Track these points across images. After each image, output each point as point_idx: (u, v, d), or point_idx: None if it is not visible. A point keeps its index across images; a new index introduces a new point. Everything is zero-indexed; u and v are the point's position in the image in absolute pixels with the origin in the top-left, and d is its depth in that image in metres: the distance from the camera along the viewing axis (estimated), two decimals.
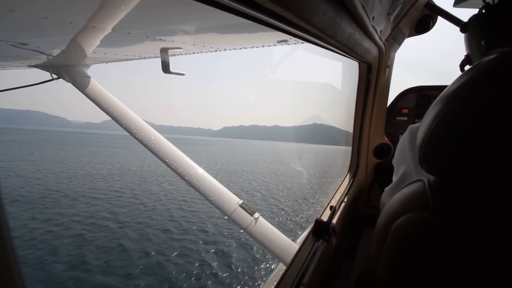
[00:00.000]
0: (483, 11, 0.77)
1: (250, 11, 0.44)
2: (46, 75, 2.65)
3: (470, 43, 0.82)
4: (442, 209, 0.45)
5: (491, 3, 0.76)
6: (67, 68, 2.60)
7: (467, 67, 0.88)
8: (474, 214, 0.43)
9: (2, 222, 0.15)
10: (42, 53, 1.94)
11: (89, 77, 2.74)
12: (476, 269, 0.40)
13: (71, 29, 1.10)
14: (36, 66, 2.60)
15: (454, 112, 0.42)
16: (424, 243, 0.43)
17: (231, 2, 0.40)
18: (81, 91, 2.70)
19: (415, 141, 0.81)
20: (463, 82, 0.43)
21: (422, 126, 0.50)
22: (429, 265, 0.43)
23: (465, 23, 0.83)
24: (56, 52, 1.98)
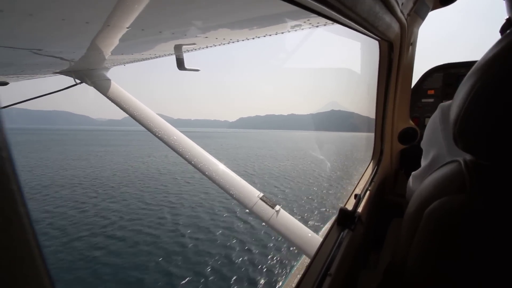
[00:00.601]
0: None
1: None
2: (70, 81, 2.74)
3: None
4: (481, 192, 0.40)
5: None
6: (89, 72, 2.72)
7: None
8: None
9: (26, 222, 0.15)
10: (64, 59, 2.03)
11: (109, 79, 2.85)
12: None
13: (88, 30, 1.13)
14: (60, 72, 2.73)
15: (491, 83, 0.38)
16: (462, 228, 0.39)
17: None
18: (102, 94, 2.81)
19: (448, 120, 0.75)
20: (499, 50, 0.38)
21: (455, 102, 0.45)
22: (467, 252, 0.39)
23: None
24: (77, 57, 2.06)
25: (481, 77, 0.39)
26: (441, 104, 0.80)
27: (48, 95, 3.23)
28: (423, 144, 0.88)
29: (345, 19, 0.73)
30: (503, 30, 0.78)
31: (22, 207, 0.14)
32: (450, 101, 0.77)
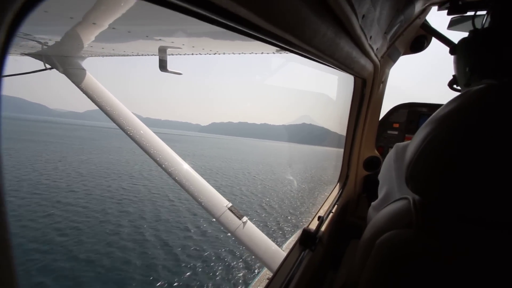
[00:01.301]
0: (471, 35, 0.80)
1: (252, 32, 0.45)
2: (39, 64, 2.59)
3: (457, 65, 0.86)
4: (425, 228, 0.46)
5: (479, 28, 0.79)
6: (62, 59, 2.55)
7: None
8: (454, 235, 0.44)
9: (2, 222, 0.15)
10: (38, 42, 1.90)
11: (84, 69, 2.69)
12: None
13: (71, 23, 1.09)
14: (29, 54, 2.53)
15: (442, 136, 0.44)
16: (407, 260, 0.45)
17: (233, 24, 0.41)
18: (74, 83, 2.65)
19: (400, 160, 0.84)
20: (452, 108, 0.45)
21: (410, 146, 0.52)
22: (411, 282, 0.44)
23: (454, 45, 0.86)
24: (51, 42, 1.94)
25: (434, 129, 0.45)
26: (397, 144, 0.88)
27: (9, 76, 2.96)
28: (380, 177, 0.96)
29: (325, 62, 0.80)
30: (451, 84, 0.92)
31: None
32: (404, 142, 0.86)
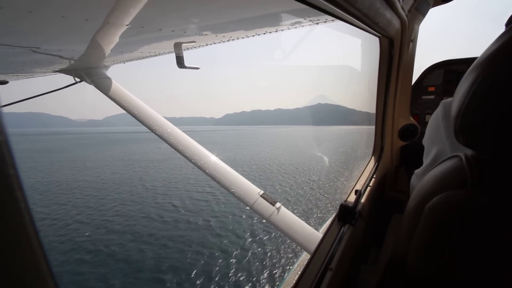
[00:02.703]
0: None
1: None
2: (70, 79, 2.75)
3: None
4: (482, 186, 0.40)
5: None
6: (88, 71, 2.71)
7: None
8: None
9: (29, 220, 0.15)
10: (63, 57, 2.02)
11: (110, 78, 2.84)
12: None
13: (87, 27, 1.13)
14: (60, 71, 2.73)
15: (491, 79, 0.38)
16: (463, 223, 0.39)
17: None
18: (103, 92, 2.81)
19: (450, 117, 0.75)
20: (500, 46, 0.38)
21: (456, 97, 0.45)
22: (469, 248, 0.39)
23: None
24: (76, 55, 2.06)
25: (482, 73, 0.39)
26: (443, 101, 0.79)
27: (48, 94, 3.23)
28: (425, 142, 0.87)
29: (346, 15, 0.73)
30: (509, 23, 0.78)
31: (23, 206, 0.14)
32: (452, 98, 0.77)
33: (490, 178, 0.41)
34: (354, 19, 0.80)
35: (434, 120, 0.81)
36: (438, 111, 0.79)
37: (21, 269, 0.14)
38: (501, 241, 0.37)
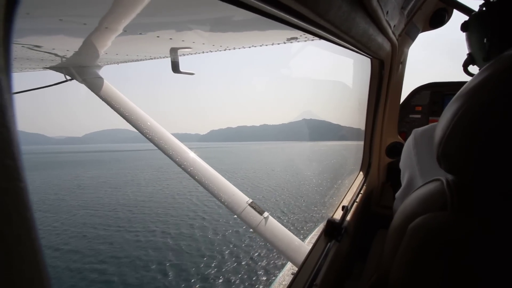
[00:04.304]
0: (483, 8, 0.76)
1: (264, 5, 0.43)
2: (60, 76, 2.72)
3: (471, 41, 0.81)
4: (462, 210, 0.43)
5: (491, 0, 0.74)
6: (80, 70, 2.66)
7: (470, 67, 0.87)
8: (496, 215, 0.41)
9: (30, 224, 0.15)
10: (57, 55, 1.99)
11: (102, 78, 2.80)
12: (499, 273, 0.38)
13: (85, 30, 1.12)
14: (50, 68, 2.67)
15: (476, 108, 0.41)
16: (443, 244, 0.42)
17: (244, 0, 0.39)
18: (94, 92, 2.76)
19: (420, 145, 0.80)
20: (485, 77, 0.41)
21: (440, 124, 0.48)
22: (449, 268, 0.41)
23: (465, 21, 0.82)
24: (70, 53, 2.03)
25: (465, 103, 0.42)
26: (415, 129, 0.85)
27: (35, 90, 3.14)
28: (400, 165, 0.93)
29: (341, 41, 0.76)
30: (466, 64, 0.86)
31: (25, 206, 0.14)
32: (423, 127, 0.84)
33: (469, 202, 0.44)
34: (347, 44, 0.84)
35: (407, 147, 0.87)
36: (410, 139, 0.84)
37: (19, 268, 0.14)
38: (479, 262, 0.39)
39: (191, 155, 2.72)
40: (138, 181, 27.21)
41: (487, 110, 0.39)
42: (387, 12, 0.87)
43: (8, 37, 0.15)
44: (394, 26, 1.11)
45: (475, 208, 0.43)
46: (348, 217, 1.29)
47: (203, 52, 2.01)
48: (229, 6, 0.45)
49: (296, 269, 0.95)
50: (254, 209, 2.58)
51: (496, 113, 0.38)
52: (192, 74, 2.27)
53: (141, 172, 35.39)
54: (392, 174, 2.03)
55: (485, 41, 0.74)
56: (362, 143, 1.86)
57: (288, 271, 2.32)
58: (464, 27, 0.83)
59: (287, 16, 0.49)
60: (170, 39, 1.40)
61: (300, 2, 0.42)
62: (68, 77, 2.78)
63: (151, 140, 2.70)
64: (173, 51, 1.99)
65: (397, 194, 0.94)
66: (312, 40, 1.61)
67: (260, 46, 1.77)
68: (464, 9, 1.47)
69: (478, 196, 0.44)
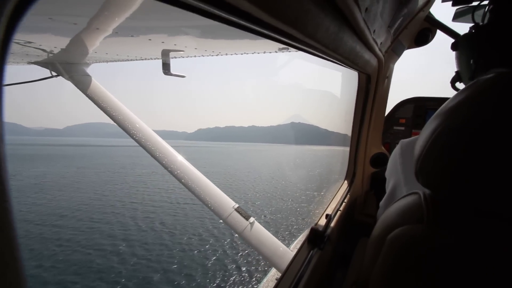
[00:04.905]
0: (473, 30, 0.79)
1: (254, 26, 0.45)
2: (45, 72, 2.63)
3: (460, 61, 0.85)
4: (437, 223, 0.45)
5: (481, 23, 0.78)
6: (67, 66, 2.59)
7: (458, 84, 0.91)
8: (468, 229, 0.43)
9: (7, 221, 0.15)
10: (44, 50, 1.93)
11: (90, 76, 2.74)
12: (469, 284, 0.40)
13: (75, 30, 1.11)
14: (35, 63, 2.58)
15: (452, 127, 0.43)
16: (419, 256, 0.44)
17: (235, 19, 0.40)
18: (80, 90, 2.69)
19: (405, 155, 0.84)
20: (462, 99, 0.44)
21: (420, 140, 0.51)
22: (423, 279, 0.43)
23: (456, 41, 0.85)
24: (57, 50, 1.97)
25: (443, 122, 0.45)
26: (402, 140, 0.88)
27: (18, 84, 3.02)
28: (386, 174, 0.96)
29: (329, 57, 0.79)
30: (453, 81, 0.91)
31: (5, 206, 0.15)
32: (409, 138, 0.87)
33: (444, 216, 0.46)
34: (335, 60, 0.88)
35: (393, 156, 0.90)
36: (397, 149, 0.88)
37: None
38: (453, 273, 0.41)
39: (179, 158, 2.69)
40: (66, 183, 23.51)
41: (462, 130, 0.42)
42: (374, 31, 0.91)
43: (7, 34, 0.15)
44: (381, 43, 1.16)
45: (450, 223, 0.45)
46: (332, 225, 1.32)
47: (195, 56, 2.01)
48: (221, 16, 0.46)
49: (280, 275, 0.97)
50: (240, 214, 2.58)
51: (470, 133, 0.41)
52: (183, 76, 2.26)
53: (88, 171, 31.73)
54: (376, 184, 2.09)
55: (471, 62, 0.77)
56: (347, 148, 1.91)
57: (272, 276, 2.32)
58: (454, 46, 0.86)
59: (276, 36, 0.51)
60: (162, 42, 1.40)
61: (289, 24, 0.44)
62: (54, 73, 2.69)
63: (138, 141, 2.65)
64: (165, 54, 1.98)
65: (381, 202, 0.97)
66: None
67: (252, 53, 1.79)
68: (447, 30, 1.56)
69: (452, 211, 0.46)
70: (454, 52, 0.88)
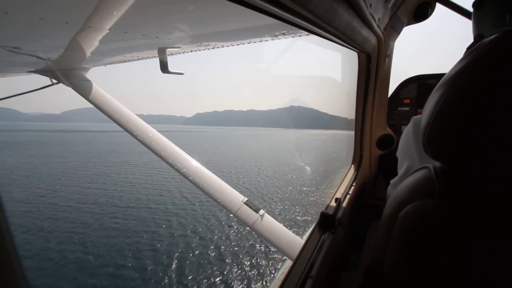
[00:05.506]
0: None
1: None
2: (46, 80, 2.65)
3: (485, 20, 0.75)
4: (449, 196, 0.43)
5: None
6: (66, 73, 2.61)
7: None
8: (482, 200, 0.41)
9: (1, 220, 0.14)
10: (40, 58, 1.94)
11: (90, 80, 2.75)
12: (484, 257, 0.39)
13: (67, 30, 1.10)
14: (35, 71, 2.61)
15: (457, 95, 0.41)
16: (432, 231, 0.42)
17: None
18: (82, 96, 2.71)
19: (419, 132, 0.80)
20: (464, 65, 0.42)
21: (424, 112, 0.49)
22: (437, 253, 0.42)
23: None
24: (54, 56, 1.98)
25: (447, 90, 0.43)
26: (414, 117, 0.84)
27: (21, 95, 3.06)
28: (398, 154, 0.92)
29: (324, 33, 0.76)
30: (471, 46, 0.84)
31: None
32: (421, 115, 0.83)
33: (455, 188, 0.44)
34: (332, 37, 0.85)
35: (405, 134, 0.86)
36: (409, 127, 0.84)
37: None
38: (467, 246, 0.40)
39: (184, 156, 2.70)
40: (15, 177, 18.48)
41: (466, 98, 0.40)
42: (371, 5, 0.88)
43: None
44: (379, 19, 1.12)
45: (463, 195, 0.43)
46: (342, 209, 1.30)
47: (191, 51, 1.99)
48: (214, 4, 0.45)
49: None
50: (250, 207, 2.59)
51: (473, 100, 0.39)
52: (181, 74, 2.24)
53: (51, 160, 26.36)
54: (384, 166, 2.05)
55: (508, 17, 0.67)
56: (350, 132, 1.88)
57: (287, 268, 2.33)
58: (478, 4, 0.75)
59: (269, 6, 0.49)
60: (156, 37, 1.38)
61: None
62: (54, 81, 2.71)
63: (142, 142, 2.67)
64: (161, 51, 1.97)
65: (393, 180, 0.94)
66: (300, 36, 1.61)
67: (248, 43, 1.76)
68: (447, 2, 1.50)
69: (463, 182, 0.44)
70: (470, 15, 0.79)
